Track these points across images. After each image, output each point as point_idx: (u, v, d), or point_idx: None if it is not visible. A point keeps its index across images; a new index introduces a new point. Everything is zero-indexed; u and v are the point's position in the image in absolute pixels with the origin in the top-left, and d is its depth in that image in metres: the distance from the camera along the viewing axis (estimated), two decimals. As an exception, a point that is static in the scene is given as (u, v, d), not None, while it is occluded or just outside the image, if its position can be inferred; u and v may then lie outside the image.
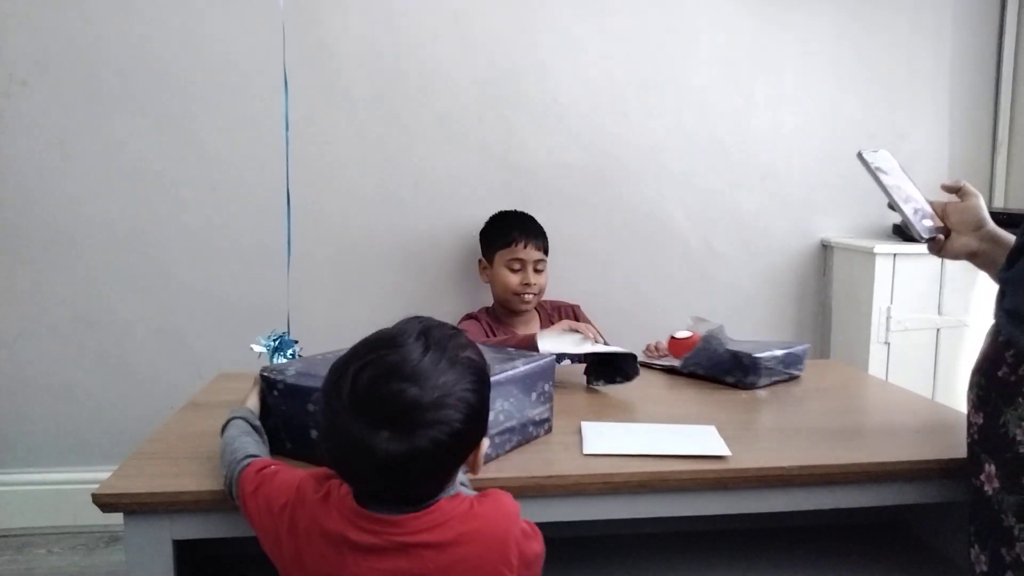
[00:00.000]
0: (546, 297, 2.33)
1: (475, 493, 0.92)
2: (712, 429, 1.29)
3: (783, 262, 2.65)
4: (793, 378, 1.68)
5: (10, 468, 2.32)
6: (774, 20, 2.54)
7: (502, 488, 1.06)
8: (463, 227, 2.41)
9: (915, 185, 1.27)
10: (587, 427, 1.30)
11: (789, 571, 1.39)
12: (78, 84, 2.22)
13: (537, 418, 1.26)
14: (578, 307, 2.35)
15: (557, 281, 2.34)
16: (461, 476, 0.95)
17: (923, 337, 2.48)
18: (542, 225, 2.29)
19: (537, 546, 0.91)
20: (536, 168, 2.45)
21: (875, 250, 2.41)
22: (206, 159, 2.29)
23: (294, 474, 0.94)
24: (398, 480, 0.83)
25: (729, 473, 1.14)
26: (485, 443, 0.91)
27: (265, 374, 1.16)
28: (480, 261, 2.32)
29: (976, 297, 2.47)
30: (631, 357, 1.53)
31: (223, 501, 1.02)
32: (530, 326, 2.24)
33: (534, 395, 1.24)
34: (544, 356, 1.29)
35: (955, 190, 1.23)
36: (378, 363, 0.84)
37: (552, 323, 2.25)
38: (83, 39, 2.21)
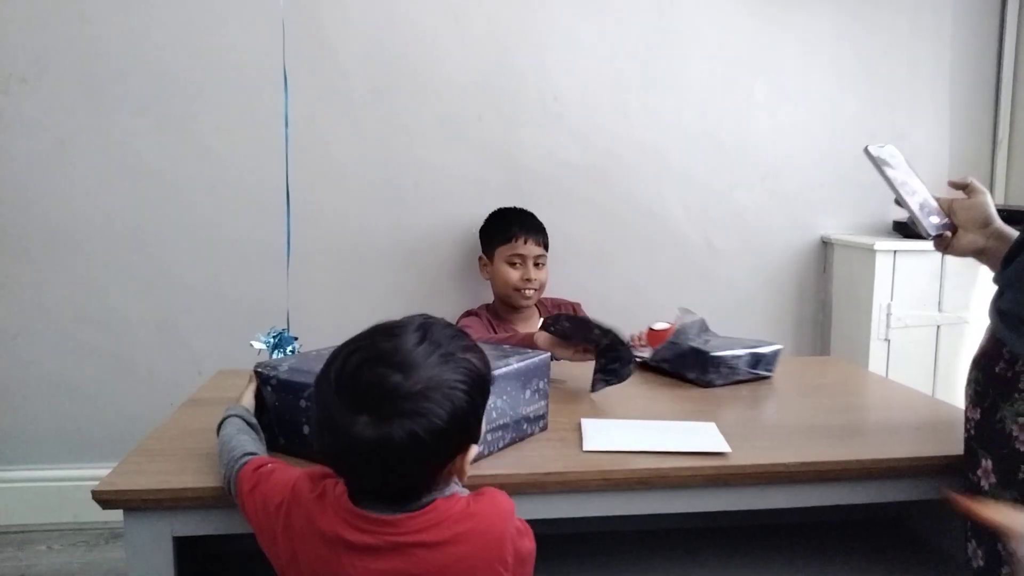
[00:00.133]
0: (547, 295, 2.33)
1: (466, 491, 0.91)
2: (712, 426, 1.29)
3: (783, 259, 2.65)
4: (761, 379, 1.64)
5: (10, 465, 2.33)
6: (774, 19, 2.54)
7: (502, 484, 1.06)
8: (463, 225, 2.41)
9: (922, 181, 1.25)
10: (587, 424, 1.30)
11: (789, 567, 1.39)
12: (78, 82, 2.22)
13: (532, 415, 1.26)
14: (578, 305, 2.35)
15: (557, 279, 2.34)
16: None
17: (923, 334, 2.48)
18: (541, 221, 2.29)
19: (530, 543, 0.90)
20: (536, 166, 2.45)
21: (875, 247, 2.41)
22: (206, 157, 2.29)
23: (290, 473, 0.94)
24: (374, 470, 0.83)
25: (729, 470, 1.15)
26: (474, 450, 0.88)
27: (259, 370, 1.16)
28: (480, 258, 2.32)
29: (976, 294, 2.47)
30: (626, 356, 1.48)
31: (223, 498, 1.02)
32: (530, 323, 2.24)
33: (528, 392, 1.24)
34: (539, 353, 1.28)
35: (962, 186, 1.22)
36: (370, 348, 0.85)
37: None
38: (83, 37, 2.21)
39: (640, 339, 1.87)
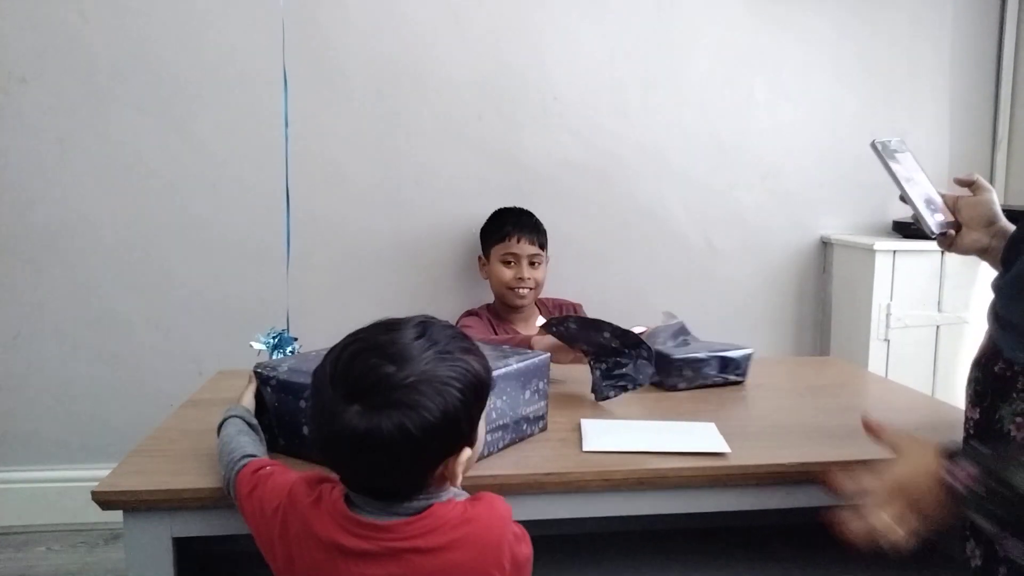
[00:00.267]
0: (548, 295, 2.33)
1: (466, 493, 0.91)
2: (712, 426, 1.29)
3: (783, 259, 2.65)
4: (730, 383, 1.59)
5: (10, 466, 2.33)
6: (774, 18, 2.54)
7: (502, 485, 1.06)
8: (463, 225, 2.40)
9: (927, 177, 1.23)
10: (587, 424, 1.30)
11: (789, 568, 1.39)
12: (77, 82, 2.22)
13: (531, 415, 1.26)
14: (580, 306, 2.35)
15: (557, 279, 2.34)
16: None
17: (923, 334, 2.48)
18: (542, 222, 2.29)
19: (527, 549, 0.90)
20: (536, 166, 2.45)
21: (875, 247, 2.41)
22: (206, 157, 2.29)
23: (288, 476, 0.94)
24: (363, 464, 0.83)
25: (729, 470, 1.15)
26: (466, 453, 0.87)
27: (258, 371, 1.16)
28: (480, 258, 2.32)
29: (976, 294, 2.47)
30: (646, 358, 1.43)
31: (223, 499, 1.02)
32: (530, 323, 2.24)
33: (528, 392, 1.24)
34: (539, 354, 1.28)
35: (968, 184, 1.19)
36: (367, 340, 0.85)
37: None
38: (82, 36, 2.21)
39: None
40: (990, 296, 1.10)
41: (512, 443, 1.21)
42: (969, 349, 2.46)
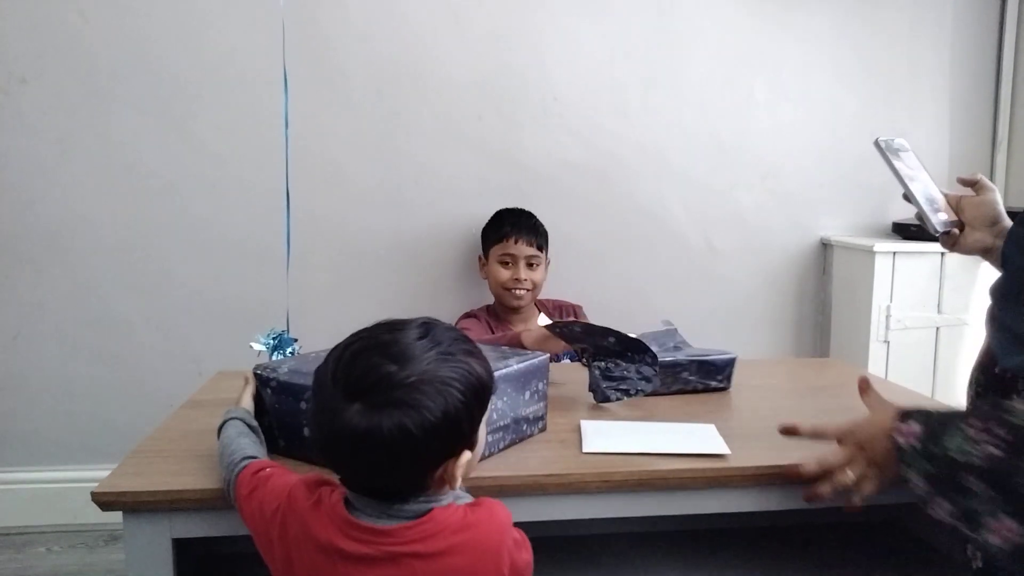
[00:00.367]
0: (548, 296, 2.33)
1: (471, 498, 0.91)
2: (712, 428, 1.29)
3: (783, 260, 2.65)
4: (713, 390, 1.55)
5: (10, 466, 2.33)
6: (774, 19, 2.54)
7: (502, 486, 1.06)
8: (463, 225, 2.41)
9: (930, 177, 1.22)
10: (586, 425, 1.30)
11: (788, 569, 1.39)
12: (77, 82, 2.22)
13: (531, 416, 1.26)
14: (580, 307, 2.35)
15: (557, 279, 2.34)
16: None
17: (923, 335, 2.48)
18: (542, 223, 2.29)
19: (527, 555, 0.89)
20: (536, 166, 2.45)
21: (875, 248, 2.41)
22: (206, 157, 2.29)
23: (287, 478, 0.94)
24: (362, 463, 0.82)
25: (728, 472, 1.14)
26: (466, 456, 0.86)
27: (258, 372, 1.15)
28: (480, 258, 2.32)
29: (976, 295, 2.47)
30: (651, 364, 1.42)
31: (223, 500, 1.02)
32: (529, 324, 2.24)
33: (528, 393, 1.24)
34: (538, 354, 1.28)
35: (971, 183, 1.19)
36: (370, 339, 0.85)
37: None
38: (82, 37, 2.21)
39: None
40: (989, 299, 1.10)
41: (512, 444, 1.21)
42: (969, 350, 2.47)
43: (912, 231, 2.51)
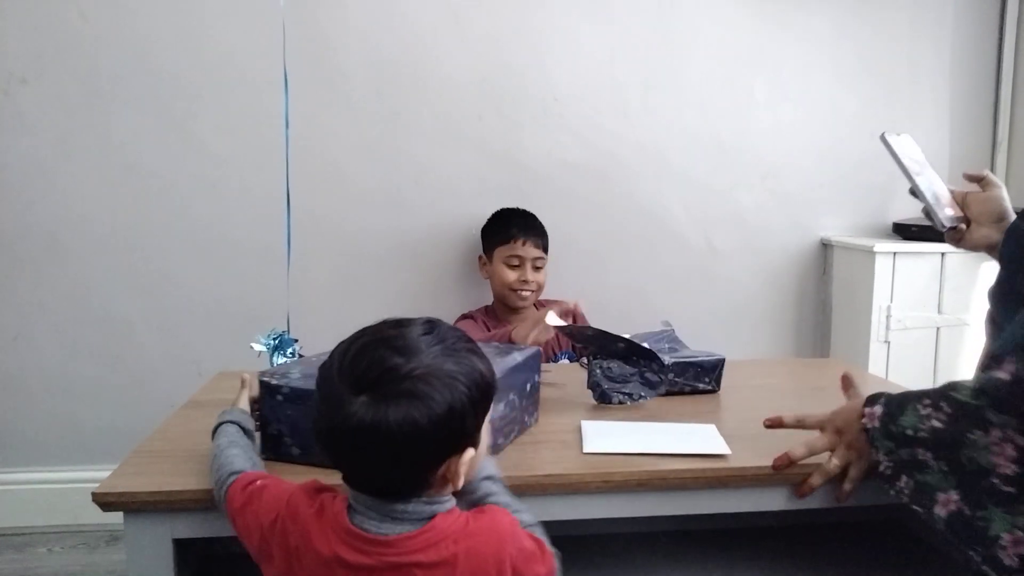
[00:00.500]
0: (546, 296, 2.33)
1: (507, 495, 0.93)
2: (712, 428, 1.29)
3: (783, 261, 2.65)
4: (701, 392, 1.53)
5: (10, 467, 2.33)
6: (774, 18, 2.54)
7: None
8: (463, 225, 2.41)
9: (936, 172, 1.23)
10: (587, 426, 1.30)
11: (789, 569, 1.39)
12: (77, 82, 2.22)
13: (531, 408, 1.31)
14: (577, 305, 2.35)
15: (556, 279, 2.34)
16: (490, 469, 0.97)
17: (923, 336, 2.48)
18: (542, 223, 2.29)
19: (541, 569, 0.88)
20: (536, 166, 2.45)
21: (875, 249, 2.41)
22: (206, 157, 2.29)
23: (283, 487, 0.93)
24: (366, 457, 0.82)
25: (729, 472, 1.15)
26: (470, 454, 0.86)
27: (266, 379, 1.11)
28: (480, 257, 2.32)
29: (976, 296, 2.47)
30: (657, 371, 1.42)
31: (223, 500, 1.02)
32: (528, 325, 2.25)
33: (529, 386, 1.29)
34: (532, 349, 1.33)
35: (978, 179, 1.20)
36: (375, 334, 0.85)
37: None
38: (82, 37, 2.21)
39: None
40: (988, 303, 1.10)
41: (518, 435, 1.25)
42: (969, 351, 2.47)
43: (913, 231, 2.51)
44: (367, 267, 2.40)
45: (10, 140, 2.21)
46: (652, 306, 2.51)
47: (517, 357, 1.25)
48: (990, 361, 0.93)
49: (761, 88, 2.56)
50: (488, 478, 0.98)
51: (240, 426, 1.09)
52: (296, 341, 1.50)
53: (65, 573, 2.11)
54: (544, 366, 1.78)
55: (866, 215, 2.67)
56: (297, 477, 1.03)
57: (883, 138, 1.22)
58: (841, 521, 1.54)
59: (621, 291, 2.53)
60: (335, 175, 2.36)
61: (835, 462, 1.11)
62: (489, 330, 2.17)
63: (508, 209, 2.32)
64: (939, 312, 2.48)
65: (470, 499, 0.96)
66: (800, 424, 1.19)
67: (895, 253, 2.42)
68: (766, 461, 1.16)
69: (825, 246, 2.66)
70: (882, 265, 2.41)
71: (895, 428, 1.02)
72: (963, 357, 2.48)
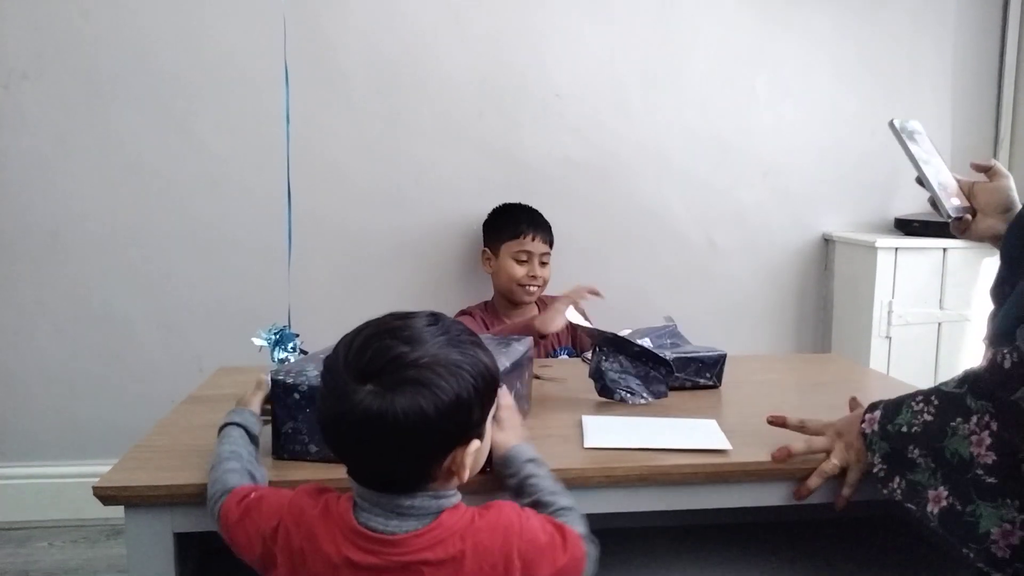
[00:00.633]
0: (546, 293, 2.33)
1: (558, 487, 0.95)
2: (713, 423, 1.29)
3: (784, 257, 2.65)
4: (702, 387, 1.53)
5: (11, 462, 2.33)
6: (775, 16, 2.54)
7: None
8: (464, 223, 2.41)
9: (943, 162, 1.21)
10: (588, 420, 1.30)
11: (789, 565, 1.39)
12: (78, 79, 2.22)
13: (527, 396, 1.34)
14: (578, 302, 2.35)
15: (557, 276, 2.33)
16: (531, 452, 0.99)
17: (925, 331, 2.48)
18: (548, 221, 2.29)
19: (561, 557, 0.87)
20: (537, 164, 2.45)
21: (876, 244, 2.40)
22: (206, 155, 2.29)
23: (281, 494, 0.92)
24: (372, 449, 0.82)
25: (730, 467, 1.14)
26: (475, 445, 0.86)
27: (280, 378, 1.09)
28: (484, 251, 2.31)
29: (978, 291, 2.47)
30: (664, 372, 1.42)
31: (224, 494, 1.02)
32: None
33: (526, 375, 1.32)
34: (526, 340, 1.34)
35: (985, 169, 1.18)
36: (380, 325, 0.86)
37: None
38: (83, 33, 2.21)
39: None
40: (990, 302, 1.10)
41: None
42: (971, 346, 2.46)
43: (914, 227, 2.51)
44: (367, 265, 2.40)
45: (10, 137, 2.21)
46: (653, 304, 2.51)
47: (519, 348, 1.26)
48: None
49: (762, 86, 2.56)
50: (531, 460, 0.99)
51: (246, 429, 1.06)
52: (297, 336, 1.50)
53: (66, 567, 2.11)
54: (545, 361, 1.79)
55: (868, 211, 2.67)
56: (314, 474, 1.03)
57: (891, 124, 1.21)
58: (840, 517, 1.54)
59: (622, 289, 2.52)
60: (335, 173, 2.35)
61: (833, 462, 1.11)
62: (488, 326, 2.17)
63: (512, 204, 2.32)
64: (940, 308, 2.48)
65: (512, 483, 0.97)
66: (802, 428, 1.19)
67: (897, 249, 2.42)
68: (767, 457, 1.16)
69: (826, 242, 2.66)
70: (884, 261, 2.41)
71: (891, 428, 1.03)
72: (964, 353, 2.48)
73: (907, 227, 2.54)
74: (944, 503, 0.96)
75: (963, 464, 0.94)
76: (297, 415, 1.10)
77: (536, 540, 0.87)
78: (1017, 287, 0.99)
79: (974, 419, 0.93)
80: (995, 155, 2.73)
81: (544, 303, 2.32)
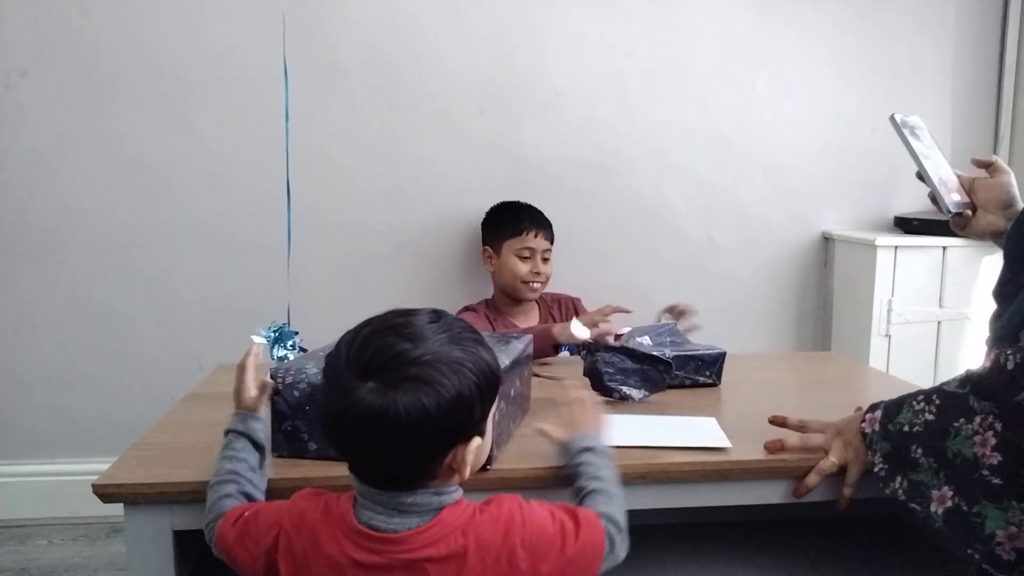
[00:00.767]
0: (547, 289, 2.33)
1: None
2: (713, 421, 1.29)
3: (784, 255, 2.65)
4: (701, 385, 1.53)
5: (11, 459, 2.33)
6: (776, 13, 2.53)
7: (503, 479, 1.06)
8: (464, 220, 2.40)
9: (944, 157, 1.21)
10: (587, 419, 1.30)
11: (789, 563, 1.39)
12: (77, 76, 2.22)
13: (528, 395, 1.36)
14: (579, 300, 2.35)
15: (557, 274, 2.33)
16: (590, 441, 1.01)
17: (924, 330, 2.48)
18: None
19: (572, 546, 0.87)
20: (537, 161, 2.45)
21: (876, 243, 2.40)
22: (206, 152, 2.29)
23: (276, 505, 0.92)
24: (373, 445, 0.81)
25: (729, 465, 1.14)
26: (476, 442, 0.86)
27: (280, 376, 1.08)
28: (485, 249, 2.31)
29: (978, 290, 2.47)
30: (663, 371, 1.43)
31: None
32: (530, 317, 2.25)
33: (526, 372, 1.33)
34: (525, 338, 1.34)
35: (986, 165, 1.18)
36: (382, 322, 0.86)
37: (552, 316, 2.26)
38: (84, 32, 2.20)
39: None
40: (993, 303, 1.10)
41: (521, 419, 1.29)
42: (970, 345, 2.46)
43: (914, 225, 2.50)
44: (368, 263, 2.40)
45: (10, 134, 2.21)
46: (653, 301, 2.49)
47: (519, 346, 1.26)
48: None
49: (762, 84, 2.56)
50: (586, 450, 1.02)
51: (251, 440, 1.03)
52: (296, 333, 1.50)
53: (65, 565, 2.12)
54: (544, 359, 1.79)
55: (867, 209, 2.66)
56: (313, 472, 1.04)
57: (892, 119, 1.20)
58: (842, 515, 1.54)
59: (622, 286, 2.52)
60: (335, 171, 2.35)
61: (831, 460, 1.12)
62: (491, 322, 2.18)
63: (512, 202, 2.32)
64: (940, 306, 2.48)
65: (567, 471, 1.03)
66: (802, 428, 1.20)
67: (896, 247, 2.42)
68: (766, 455, 1.16)
69: (826, 240, 2.65)
70: (883, 259, 2.41)
71: (892, 427, 1.03)
72: (964, 351, 2.48)
73: (907, 225, 2.54)
74: (949, 503, 0.96)
75: (967, 464, 0.94)
76: (297, 412, 1.10)
77: (542, 530, 0.87)
78: None
79: (977, 420, 0.93)
80: (995, 153, 2.72)
81: (544, 302, 2.32)
